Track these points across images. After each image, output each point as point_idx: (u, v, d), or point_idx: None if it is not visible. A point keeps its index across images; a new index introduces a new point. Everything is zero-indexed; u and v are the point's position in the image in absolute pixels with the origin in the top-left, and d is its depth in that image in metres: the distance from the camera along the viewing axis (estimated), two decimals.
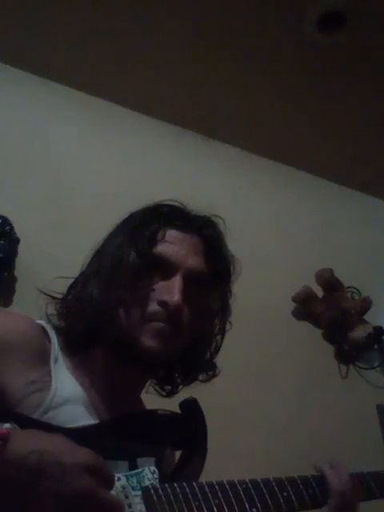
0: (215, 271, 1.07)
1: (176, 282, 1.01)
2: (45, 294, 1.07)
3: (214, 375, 1.12)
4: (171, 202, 1.14)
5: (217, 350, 1.12)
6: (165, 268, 1.03)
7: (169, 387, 1.13)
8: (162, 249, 1.04)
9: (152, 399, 1.13)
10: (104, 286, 1.02)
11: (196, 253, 1.06)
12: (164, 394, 1.13)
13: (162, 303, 0.99)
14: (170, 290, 1.00)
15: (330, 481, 1.03)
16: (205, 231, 1.10)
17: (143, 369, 1.04)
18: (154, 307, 1.00)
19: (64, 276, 1.09)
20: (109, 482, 0.76)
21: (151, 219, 1.09)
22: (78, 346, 1.04)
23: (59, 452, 0.72)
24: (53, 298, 1.07)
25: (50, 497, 0.68)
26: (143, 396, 1.13)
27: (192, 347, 1.07)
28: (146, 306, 1.00)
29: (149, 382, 1.13)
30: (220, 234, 1.13)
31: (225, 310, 1.11)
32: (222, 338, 1.13)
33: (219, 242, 1.12)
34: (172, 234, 1.06)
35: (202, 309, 1.05)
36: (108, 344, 1.03)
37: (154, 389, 1.13)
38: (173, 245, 1.05)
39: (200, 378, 1.11)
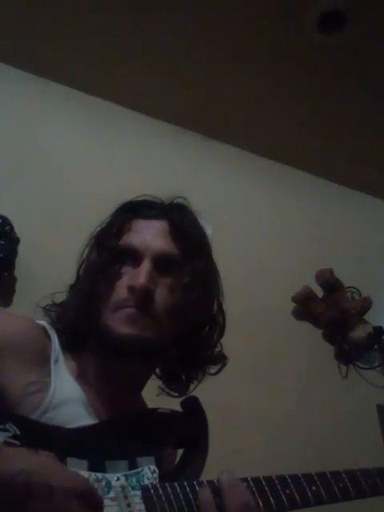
0: (186, 250, 1.05)
1: (143, 266, 1.01)
2: (43, 308, 1.09)
3: (223, 363, 1.10)
4: (140, 197, 1.14)
5: (221, 330, 1.10)
6: (133, 257, 1.03)
7: (175, 386, 1.11)
8: (127, 239, 1.05)
9: (161, 398, 1.12)
10: (77, 288, 1.06)
11: (163, 236, 1.05)
12: (175, 394, 1.11)
13: (130, 288, 0.99)
14: (137, 275, 1.00)
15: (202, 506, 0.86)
16: (171, 215, 1.09)
17: (133, 361, 1.02)
18: (123, 294, 1.00)
19: (63, 279, 1.10)
20: (97, 507, 0.74)
21: (117, 216, 1.11)
22: (75, 348, 1.05)
23: (49, 473, 0.70)
24: (48, 309, 1.09)
25: None
26: (155, 398, 1.12)
27: (186, 333, 1.06)
28: (117, 296, 1.00)
29: (157, 385, 1.12)
30: (187, 214, 1.11)
31: (208, 288, 1.08)
32: (223, 318, 1.11)
33: (187, 222, 1.09)
34: (138, 223, 1.08)
35: (180, 289, 1.02)
36: (96, 342, 1.03)
37: (163, 390, 1.12)
38: (139, 233, 1.05)
39: (208, 369, 1.09)
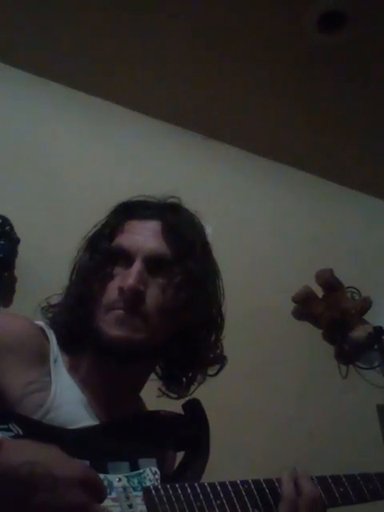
0: (179, 250, 1.04)
1: (134, 267, 1.00)
2: (43, 308, 1.09)
3: (222, 364, 1.10)
4: (135, 197, 1.14)
5: (219, 331, 1.10)
6: (125, 258, 1.03)
7: (175, 387, 1.11)
8: (119, 240, 1.05)
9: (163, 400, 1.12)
10: (70, 290, 1.07)
11: (155, 236, 1.05)
12: (174, 396, 1.11)
13: (120, 290, 0.99)
14: (128, 276, 1.00)
15: (284, 492, 0.95)
16: (165, 215, 1.08)
17: (127, 362, 1.02)
18: (114, 296, 1.00)
19: (63, 279, 1.10)
20: (101, 496, 0.75)
21: (112, 217, 1.11)
22: (72, 348, 1.05)
23: (52, 464, 0.71)
24: (46, 310, 1.09)
25: (41, 509, 0.68)
26: (156, 400, 1.11)
27: (183, 334, 1.05)
28: (108, 297, 1.00)
29: (158, 387, 1.12)
30: (181, 215, 1.11)
31: (202, 288, 1.07)
32: (220, 317, 1.10)
33: (180, 222, 1.08)
34: (131, 224, 1.07)
35: (171, 289, 1.02)
36: (91, 343, 1.03)
37: (162, 391, 1.12)
38: (131, 234, 1.05)
39: (207, 370, 1.09)
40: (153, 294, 1.00)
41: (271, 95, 2.51)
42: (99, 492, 0.75)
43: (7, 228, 1.94)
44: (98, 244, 1.07)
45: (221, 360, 1.11)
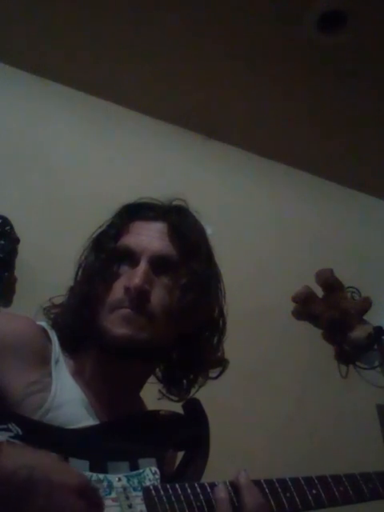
0: (184, 251, 1.05)
1: (139, 267, 1.01)
2: (45, 309, 1.09)
3: (224, 367, 1.10)
4: (140, 200, 1.14)
5: (221, 333, 1.10)
6: (131, 258, 1.03)
7: (176, 390, 1.10)
8: (125, 240, 1.06)
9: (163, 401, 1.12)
10: (75, 290, 1.07)
11: (161, 237, 1.05)
12: (175, 398, 1.10)
13: (125, 289, 1.00)
14: (133, 276, 1.00)
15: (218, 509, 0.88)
16: (170, 217, 1.09)
17: (130, 362, 1.02)
18: (119, 295, 1.00)
19: (63, 279, 1.10)
20: (97, 504, 0.75)
21: (117, 218, 1.12)
22: (74, 348, 1.05)
23: (49, 470, 0.71)
24: (48, 311, 1.09)
25: None
26: (157, 401, 1.11)
27: (185, 336, 1.06)
28: (114, 296, 1.01)
29: (158, 388, 1.12)
30: (186, 216, 1.11)
31: (206, 290, 1.07)
32: (222, 320, 1.10)
33: (185, 224, 1.09)
34: (136, 225, 1.08)
35: (177, 290, 1.02)
36: (94, 342, 1.03)
37: (162, 393, 1.12)
38: (137, 235, 1.06)
39: (209, 373, 1.09)
40: (158, 294, 1.01)
41: (271, 95, 2.51)
42: (96, 501, 0.75)
43: (7, 228, 1.94)
44: (103, 244, 1.07)
45: (222, 363, 1.11)
